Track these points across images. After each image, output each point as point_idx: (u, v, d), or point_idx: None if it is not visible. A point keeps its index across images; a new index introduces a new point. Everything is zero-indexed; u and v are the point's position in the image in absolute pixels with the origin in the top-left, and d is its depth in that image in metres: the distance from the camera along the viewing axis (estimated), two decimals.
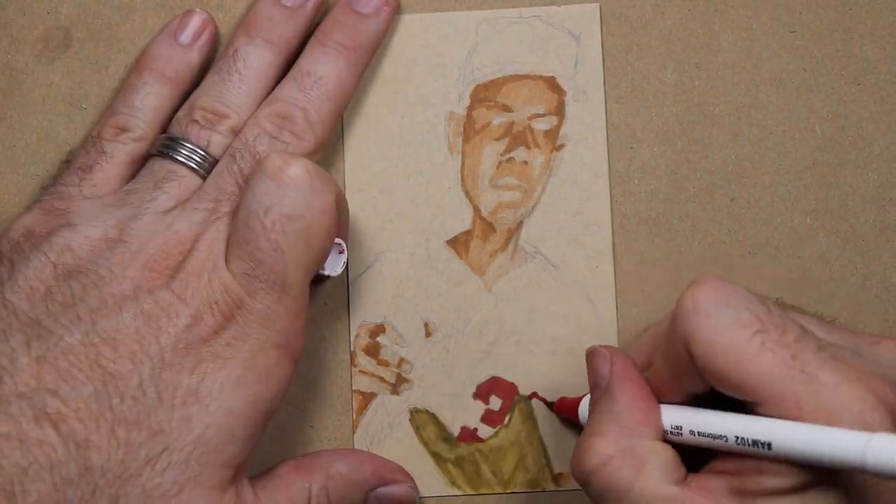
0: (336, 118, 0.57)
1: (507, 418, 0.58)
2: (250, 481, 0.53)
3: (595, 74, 0.59)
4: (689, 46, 0.59)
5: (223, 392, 0.49)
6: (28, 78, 0.60)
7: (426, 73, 0.59)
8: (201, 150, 0.55)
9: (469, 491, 0.58)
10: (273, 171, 0.51)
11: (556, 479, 0.58)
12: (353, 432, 0.58)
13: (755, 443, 0.45)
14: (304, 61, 0.57)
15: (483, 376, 0.58)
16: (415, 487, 0.57)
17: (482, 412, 0.58)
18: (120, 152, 0.56)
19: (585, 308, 0.58)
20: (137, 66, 0.58)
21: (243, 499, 0.51)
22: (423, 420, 0.58)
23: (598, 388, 0.50)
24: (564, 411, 0.57)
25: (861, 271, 0.58)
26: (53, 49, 0.60)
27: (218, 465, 0.49)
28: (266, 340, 0.51)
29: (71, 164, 0.56)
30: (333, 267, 0.55)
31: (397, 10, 0.59)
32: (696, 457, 0.49)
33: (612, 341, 0.58)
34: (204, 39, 0.58)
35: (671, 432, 0.49)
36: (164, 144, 0.55)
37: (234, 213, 0.52)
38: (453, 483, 0.58)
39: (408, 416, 0.58)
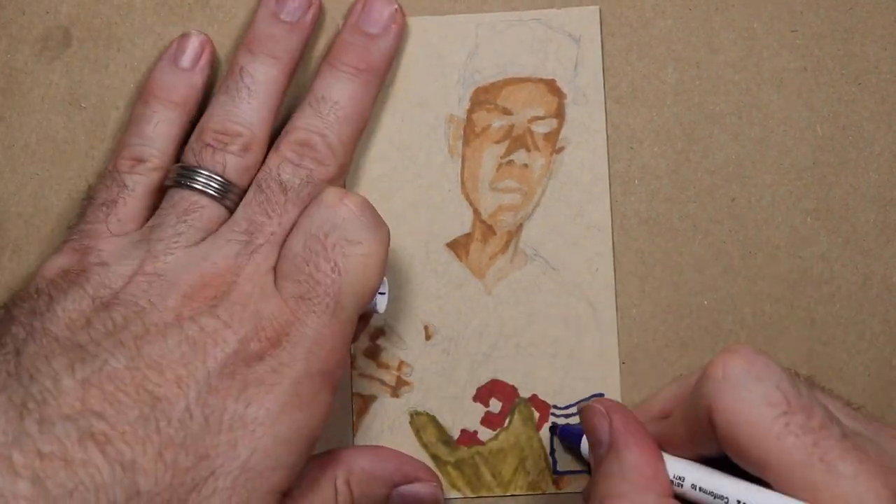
0: (355, 141, 0.57)
1: (507, 421, 0.58)
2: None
3: (595, 77, 0.59)
4: (689, 46, 0.59)
5: (269, 418, 0.49)
6: (27, 77, 0.60)
7: (426, 75, 0.59)
8: (218, 175, 0.54)
9: (469, 494, 0.58)
10: (333, 202, 0.52)
11: (556, 481, 0.58)
12: (353, 435, 0.58)
13: None
14: (317, 86, 0.57)
15: (483, 379, 0.58)
16: (439, 487, 0.57)
17: (482, 415, 0.58)
18: (140, 184, 0.56)
19: (585, 310, 0.58)
20: (143, 96, 0.58)
21: None
22: (423, 423, 0.58)
23: (600, 445, 0.50)
24: (565, 439, 0.58)
25: (861, 271, 0.58)
26: (53, 49, 0.60)
27: (264, 492, 0.49)
28: (312, 367, 0.50)
29: (93, 200, 0.56)
30: (379, 305, 0.55)
31: (405, 27, 0.59)
32: None
33: (612, 343, 0.58)
34: (204, 61, 0.58)
35: (674, 482, 0.49)
36: (180, 174, 0.55)
37: (275, 244, 0.53)
38: (453, 486, 0.58)
39: (408, 418, 0.58)
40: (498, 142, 0.59)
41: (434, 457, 0.58)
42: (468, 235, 0.59)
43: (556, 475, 0.58)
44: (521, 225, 0.59)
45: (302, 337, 0.50)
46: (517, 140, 0.59)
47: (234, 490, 0.48)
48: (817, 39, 0.59)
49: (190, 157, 0.55)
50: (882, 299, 0.58)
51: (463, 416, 0.58)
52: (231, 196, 0.55)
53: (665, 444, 0.50)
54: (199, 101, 0.58)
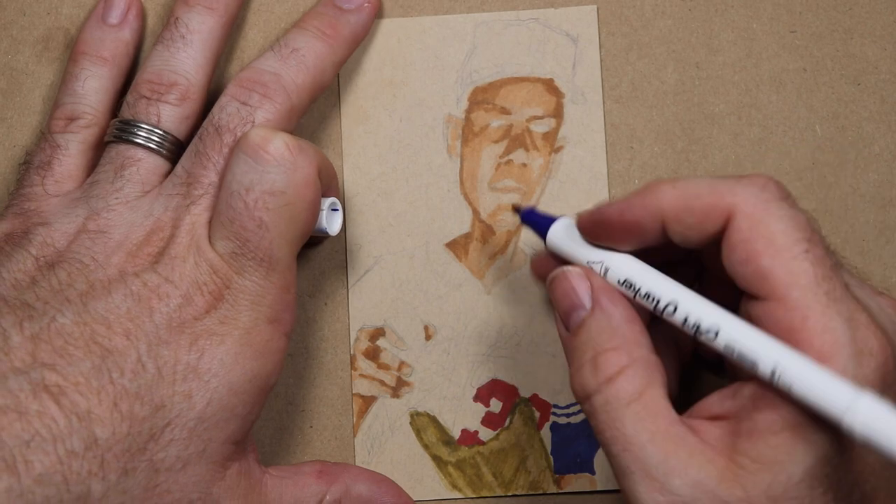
0: (311, 93, 0.56)
1: (507, 421, 0.58)
2: (270, 466, 0.53)
3: (593, 76, 0.59)
4: (689, 46, 0.59)
5: (222, 368, 0.50)
6: (28, 78, 0.60)
7: (424, 75, 0.59)
8: (155, 128, 0.54)
9: (470, 494, 0.58)
10: (252, 149, 0.51)
11: (558, 481, 0.58)
12: (354, 436, 0.58)
13: (704, 329, 0.46)
14: (282, 39, 0.57)
15: (483, 379, 0.58)
16: None
17: (483, 415, 0.58)
18: (74, 142, 0.56)
19: None
20: (72, 55, 0.58)
21: (250, 476, 0.52)
22: (423, 423, 0.58)
23: (582, 307, 0.50)
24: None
25: (861, 271, 0.58)
26: (53, 49, 0.60)
27: (220, 442, 0.50)
28: (258, 317, 0.51)
29: (30, 164, 0.56)
30: (331, 226, 0.55)
31: (378, 10, 0.59)
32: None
33: None
34: (132, 15, 0.58)
35: (620, 282, 0.49)
36: (118, 128, 0.55)
37: (213, 195, 0.52)
38: (454, 486, 0.58)
39: (408, 419, 0.58)
40: (496, 141, 0.59)
41: (435, 457, 0.58)
42: (467, 235, 0.59)
43: (558, 475, 0.58)
44: (520, 224, 0.58)
45: (242, 290, 0.51)
46: (516, 139, 0.59)
47: (190, 440, 0.49)
48: (816, 40, 0.59)
49: (125, 111, 0.55)
50: None
51: (463, 416, 0.58)
52: (168, 147, 0.54)
53: (598, 232, 0.50)
54: (131, 56, 0.58)
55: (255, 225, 0.51)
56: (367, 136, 0.59)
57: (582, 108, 0.59)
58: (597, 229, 0.50)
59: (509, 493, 0.58)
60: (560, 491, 0.58)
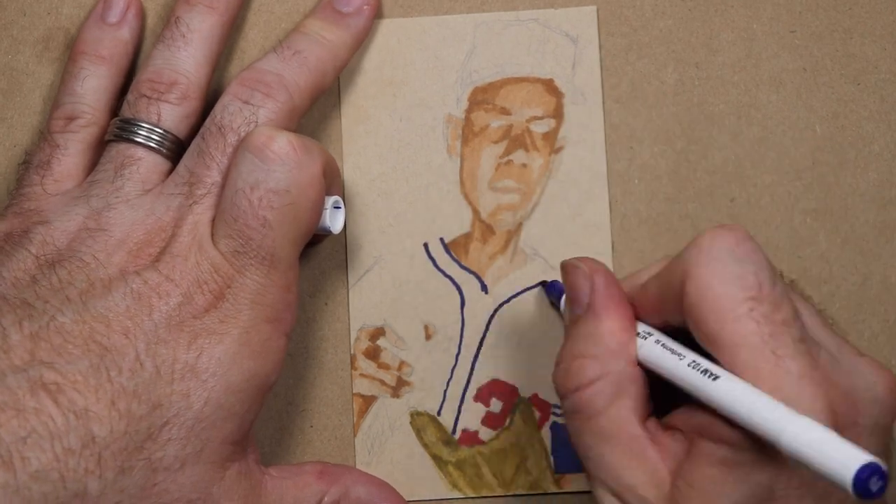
0: (313, 94, 0.56)
1: (507, 420, 0.58)
2: (271, 466, 0.53)
3: (593, 76, 0.59)
4: (689, 46, 0.59)
5: (220, 367, 0.49)
6: (28, 78, 0.60)
7: (424, 76, 0.59)
8: (156, 126, 0.54)
9: (470, 493, 0.58)
10: (257, 147, 0.51)
11: (558, 480, 0.58)
12: (354, 435, 0.58)
13: (706, 371, 0.46)
14: (283, 42, 0.57)
15: (484, 378, 0.58)
16: None
17: (483, 414, 0.58)
18: (73, 142, 0.56)
19: None
20: (71, 55, 0.58)
21: (250, 477, 0.52)
22: (423, 423, 0.58)
23: (578, 305, 0.50)
24: (551, 293, 0.58)
25: (861, 271, 0.58)
26: (54, 49, 0.60)
27: (218, 442, 0.50)
28: (258, 316, 0.51)
29: (29, 164, 0.56)
30: (334, 224, 0.55)
31: (378, 12, 0.59)
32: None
33: None
34: (132, 14, 0.58)
35: (640, 334, 0.49)
36: (118, 128, 0.55)
37: (216, 194, 0.52)
38: (454, 486, 0.58)
39: (408, 419, 0.58)
40: (496, 141, 0.59)
41: (435, 457, 0.58)
42: (468, 235, 0.59)
43: (558, 474, 0.58)
44: (520, 224, 0.59)
45: (243, 289, 0.51)
46: (516, 140, 0.59)
47: (188, 440, 0.49)
48: (816, 40, 0.59)
49: (126, 110, 0.55)
50: (882, 299, 0.58)
51: (464, 415, 0.58)
52: (169, 146, 0.54)
53: (636, 309, 0.50)
54: (131, 56, 0.58)
55: (258, 223, 0.51)
56: (367, 136, 0.59)
57: (582, 108, 0.59)
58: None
59: (510, 493, 0.58)
60: (560, 491, 0.58)
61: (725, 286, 0.46)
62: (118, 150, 0.54)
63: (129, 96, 0.55)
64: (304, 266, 0.59)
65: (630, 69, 0.59)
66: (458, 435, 0.58)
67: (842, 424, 0.45)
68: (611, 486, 0.48)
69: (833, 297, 0.58)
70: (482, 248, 0.59)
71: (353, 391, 0.58)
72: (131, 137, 0.54)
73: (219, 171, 0.53)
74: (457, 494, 0.58)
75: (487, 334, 0.58)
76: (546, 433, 0.58)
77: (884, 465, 0.41)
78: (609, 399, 0.48)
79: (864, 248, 0.58)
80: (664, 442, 0.48)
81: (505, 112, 0.59)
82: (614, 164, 0.59)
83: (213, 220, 0.52)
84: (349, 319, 0.59)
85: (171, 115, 0.55)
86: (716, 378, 0.45)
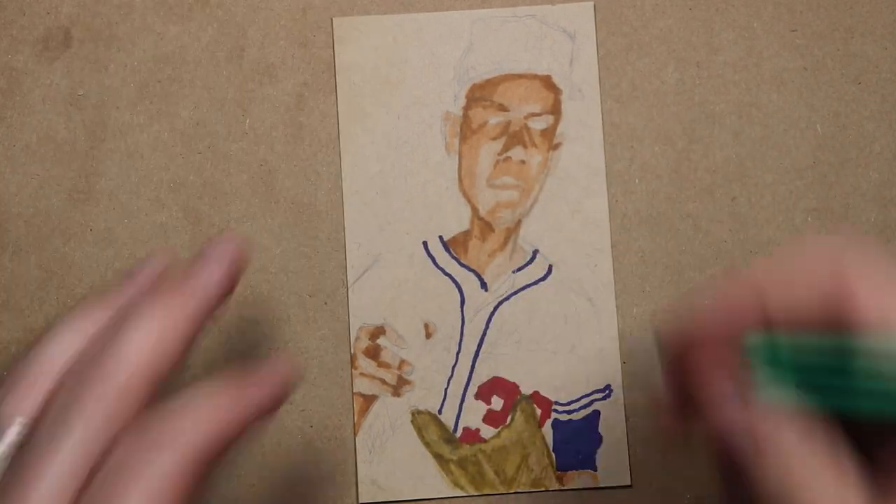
0: None
1: (509, 418, 0.58)
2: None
3: (590, 72, 0.59)
4: (690, 46, 0.59)
5: None
6: (28, 78, 0.60)
7: (421, 73, 0.59)
8: None
9: (472, 491, 0.58)
10: None
11: (560, 478, 0.58)
12: (355, 435, 0.58)
13: None
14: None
15: (484, 376, 0.58)
16: None
17: (484, 412, 0.58)
18: None
19: (585, 306, 0.58)
20: None
21: None
22: (424, 421, 0.58)
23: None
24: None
25: None
26: (53, 49, 0.60)
27: None
28: None
29: None
30: None
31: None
32: None
33: (613, 339, 0.58)
34: None
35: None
36: None
37: None
38: (456, 484, 0.58)
39: (409, 417, 0.58)
40: (495, 138, 0.59)
41: (437, 455, 0.58)
42: (467, 233, 0.59)
43: (560, 472, 0.58)
44: (519, 221, 0.59)
45: None
46: (514, 136, 0.59)
47: None
48: (817, 39, 0.59)
49: None
50: None
51: (465, 413, 0.58)
52: None
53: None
54: None
55: None
56: (364, 134, 0.59)
57: (580, 104, 0.59)
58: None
59: (511, 491, 0.58)
60: (562, 488, 0.58)
61: None
62: None
63: None
64: (304, 266, 0.59)
65: (630, 68, 0.59)
66: (459, 433, 0.58)
67: None
68: None
69: None
70: (481, 246, 0.59)
71: (354, 390, 0.58)
72: None
73: None
74: (459, 493, 0.58)
75: (488, 332, 0.58)
76: (547, 430, 0.58)
77: None
78: None
79: None
80: None
81: (503, 109, 0.59)
82: (615, 163, 0.59)
83: None
84: (349, 318, 0.59)
85: None
86: None
